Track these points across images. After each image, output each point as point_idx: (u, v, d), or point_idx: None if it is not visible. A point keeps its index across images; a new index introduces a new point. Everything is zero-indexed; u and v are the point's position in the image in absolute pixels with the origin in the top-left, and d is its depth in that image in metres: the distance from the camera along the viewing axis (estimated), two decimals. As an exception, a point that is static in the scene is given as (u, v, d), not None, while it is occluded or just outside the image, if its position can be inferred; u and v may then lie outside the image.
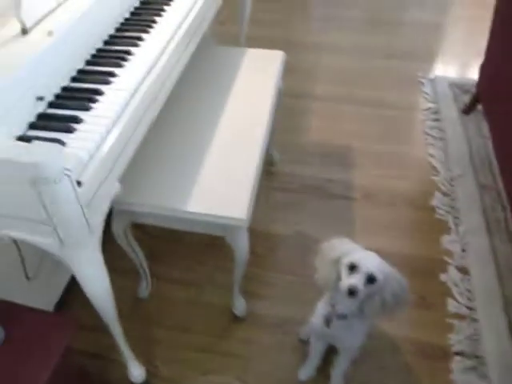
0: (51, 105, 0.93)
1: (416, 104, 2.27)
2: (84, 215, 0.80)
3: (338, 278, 0.97)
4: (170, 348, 1.37)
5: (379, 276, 0.94)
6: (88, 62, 1.05)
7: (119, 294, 1.05)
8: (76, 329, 1.00)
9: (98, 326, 1.09)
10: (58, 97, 0.95)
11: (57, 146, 0.71)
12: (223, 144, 1.27)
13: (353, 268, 0.95)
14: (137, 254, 1.34)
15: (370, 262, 0.95)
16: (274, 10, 3.03)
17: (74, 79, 1.00)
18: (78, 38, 1.01)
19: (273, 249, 1.63)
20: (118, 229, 1.19)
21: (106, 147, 0.87)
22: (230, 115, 1.37)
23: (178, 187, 1.15)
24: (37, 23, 0.96)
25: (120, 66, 1.04)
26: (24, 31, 0.94)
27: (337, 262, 0.98)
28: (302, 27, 2.90)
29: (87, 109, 0.92)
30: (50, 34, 0.93)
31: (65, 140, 0.85)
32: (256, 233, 1.60)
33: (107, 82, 0.99)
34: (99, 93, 0.96)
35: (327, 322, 1.08)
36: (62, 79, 0.98)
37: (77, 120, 0.89)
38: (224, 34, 2.31)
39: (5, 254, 1.15)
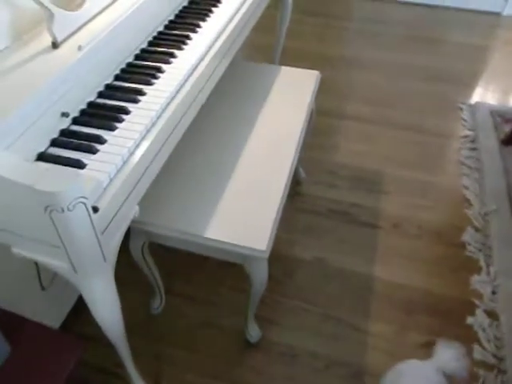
0: (75, 121, 0.91)
1: (453, 130, 2.18)
2: (99, 243, 0.77)
3: None
4: (178, 369, 1.33)
5: None
6: (117, 77, 1.02)
7: (131, 308, 1.01)
8: (83, 351, 0.97)
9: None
10: (83, 113, 0.93)
11: (73, 174, 0.68)
12: (248, 168, 1.23)
13: None
14: (152, 271, 1.31)
15: None
16: (310, 23, 2.97)
17: (101, 95, 0.98)
18: (107, 53, 0.99)
19: (291, 274, 1.57)
20: (135, 247, 1.16)
21: (127, 170, 0.84)
22: (257, 138, 1.32)
23: (198, 211, 1.11)
24: (68, 37, 0.94)
25: (149, 83, 1.01)
26: (54, 45, 0.92)
27: None
28: (339, 41, 2.84)
29: (111, 128, 0.90)
30: (79, 48, 0.91)
31: (85, 161, 0.82)
32: (274, 255, 1.55)
33: (134, 101, 0.96)
34: (125, 111, 0.94)
35: None
36: (88, 94, 0.95)
37: (100, 140, 0.87)
38: (256, 43, 2.27)
39: (20, 263, 1.14)
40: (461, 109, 2.29)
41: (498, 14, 3.01)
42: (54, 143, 0.86)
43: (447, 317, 1.46)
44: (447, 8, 3.05)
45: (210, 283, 1.54)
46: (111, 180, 0.81)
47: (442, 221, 1.76)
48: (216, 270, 1.56)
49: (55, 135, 0.87)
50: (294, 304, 1.49)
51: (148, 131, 0.91)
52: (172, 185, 1.18)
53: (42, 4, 0.88)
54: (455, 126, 2.20)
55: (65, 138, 0.87)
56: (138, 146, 0.88)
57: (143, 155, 0.87)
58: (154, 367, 1.32)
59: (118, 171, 0.83)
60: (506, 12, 2.97)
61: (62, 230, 0.72)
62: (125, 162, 0.84)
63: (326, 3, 3.12)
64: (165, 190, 1.15)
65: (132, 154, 0.87)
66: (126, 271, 0.91)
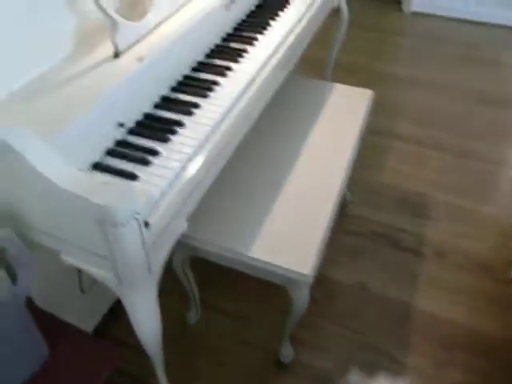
0: (131, 131, 0.91)
1: (508, 158, 2.08)
2: (147, 257, 0.77)
3: None
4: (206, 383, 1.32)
5: None
6: (173, 89, 1.02)
7: (166, 316, 0.99)
8: (118, 360, 0.97)
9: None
10: (138, 124, 0.93)
11: (130, 189, 0.68)
12: (297, 187, 1.20)
13: None
14: (190, 283, 1.30)
15: None
16: (364, 37, 2.92)
17: (157, 106, 0.98)
18: (166, 65, 0.99)
19: (330, 296, 1.53)
20: (177, 260, 1.15)
21: (179, 185, 0.83)
22: (307, 155, 1.29)
23: (244, 228, 1.09)
24: (129, 47, 0.95)
25: (205, 96, 1.01)
26: (116, 55, 0.92)
27: None
28: (393, 58, 2.77)
29: (165, 140, 0.89)
30: (139, 59, 0.91)
31: (139, 173, 0.82)
32: (316, 275, 1.52)
33: (189, 113, 0.96)
34: (180, 124, 0.93)
35: None
36: (144, 105, 0.95)
37: (154, 152, 0.86)
38: (308, 56, 2.25)
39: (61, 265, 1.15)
40: (518, 135, 2.18)
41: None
42: (109, 153, 0.86)
43: (491, 357, 1.38)
44: (507, 27, 2.92)
45: (248, 299, 1.51)
46: (163, 194, 0.80)
47: (490, 254, 1.67)
48: (255, 287, 1.54)
49: (111, 145, 0.87)
50: (331, 328, 1.44)
51: (201, 146, 0.90)
52: (220, 200, 1.16)
53: (106, 13, 0.89)
54: (510, 154, 2.10)
55: (120, 149, 0.87)
56: (190, 160, 0.87)
57: (196, 170, 0.86)
58: (184, 379, 1.31)
59: (170, 185, 0.82)
60: None
61: (113, 244, 0.71)
62: (177, 177, 0.84)
63: (381, 18, 3.06)
64: (212, 204, 1.14)
65: (184, 168, 0.86)
66: (163, 280, 0.90)
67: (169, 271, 1.23)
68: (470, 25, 3.00)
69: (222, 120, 0.96)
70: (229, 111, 0.99)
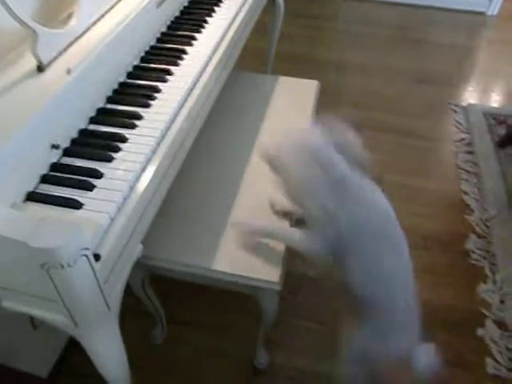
0: (67, 152, 0.82)
1: (448, 134, 2.14)
2: (102, 293, 0.69)
3: None
4: (182, 401, 1.25)
5: None
6: (109, 100, 0.94)
7: (130, 339, 0.91)
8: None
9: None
10: (74, 142, 0.84)
11: (71, 222, 0.60)
12: (253, 191, 1.15)
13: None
14: (152, 300, 1.23)
15: None
16: (297, 24, 2.90)
17: (92, 120, 0.89)
18: (99, 74, 0.90)
19: (296, 291, 1.50)
20: (135, 281, 1.07)
21: (129, 207, 0.75)
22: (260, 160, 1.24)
23: (203, 242, 1.02)
24: (54, 59, 0.85)
25: (145, 105, 0.93)
26: (40, 68, 0.82)
27: None
28: (326, 44, 2.78)
29: (108, 159, 0.81)
30: (68, 71, 0.82)
31: (81, 200, 0.73)
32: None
33: (131, 126, 0.88)
34: (122, 139, 0.85)
35: None
36: (79, 121, 0.86)
37: (96, 174, 0.78)
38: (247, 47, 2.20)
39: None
40: (454, 111, 2.26)
41: (482, 14, 3.00)
42: (45, 180, 0.77)
43: (458, 329, 1.42)
44: (432, 8, 3.02)
45: (214, 308, 1.45)
46: (112, 220, 0.72)
47: (444, 229, 1.72)
48: (222, 296, 1.48)
49: (45, 170, 0.78)
50: (300, 324, 1.42)
51: (148, 160, 0.83)
52: (172, 214, 1.09)
53: (25, 24, 0.79)
54: (450, 130, 2.17)
55: (56, 173, 0.78)
56: (138, 178, 0.80)
57: (146, 188, 0.79)
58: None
59: (119, 209, 0.74)
60: (490, 12, 2.96)
61: (61, 286, 0.63)
62: (125, 198, 0.76)
63: (313, 5, 3.05)
64: (165, 220, 1.06)
65: (132, 187, 0.78)
66: (122, 299, 0.83)
67: (126, 290, 1.15)
68: (398, 7, 3.07)
69: (168, 130, 0.89)
70: (173, 119, 0.92)
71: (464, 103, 2.30)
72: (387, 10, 3.01)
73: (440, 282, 1.54)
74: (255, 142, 1.27)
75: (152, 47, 1.09)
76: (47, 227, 0.58)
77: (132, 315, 1.34)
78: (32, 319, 1.09)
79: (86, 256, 0.62)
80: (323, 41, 2.81)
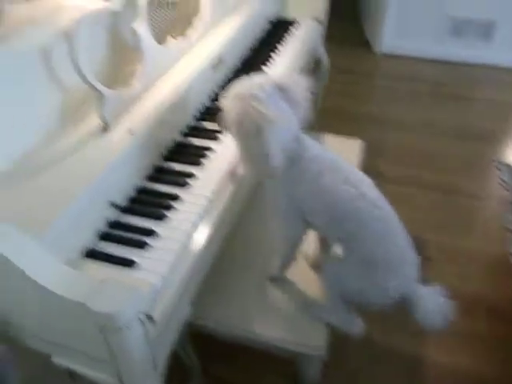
0: (124, 210, 0.84)
1: (492, 192, 2.09)
2: (151, 354, 0.68)
3: None
4: None
5: None
6: (165, 158, 0.97)
7: None
8: None
9: None
10: (131, 200, 0.86)
11: (132, 286, 0.60)
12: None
13: None
14: (190, 355, 1.20)
15: None
16: (339, 80, 2.96)
17: (149, 178, 0.92)
18: (158, 134, 0.94)
19: (337, 356, 1.44)
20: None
21: (182, 268, 0.76)
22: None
23: (247, 304, 1.01)
24: (117, 119, 0.89)
25: (198, 164, 0.95)
26: (104, 128, 0.86)
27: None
28: (367, 100, 2.81)
29: (162, 218, 0.82)
30: (131, 132, 0.86)
31: (136, 259, 0.75)
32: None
33: (184, 185, 0.90)
34: (175, 198, 0.87)
35: None
36: (137, 179, 0.89)
37: (150, 233, 0.79)
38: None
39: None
40: (498, 168, 2.21)
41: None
42: (102, 237, 0.79)
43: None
44: (473, 65, 3.03)
45: (250, 367, 1.41)
46: (165, 281, 0.73)
47: (494, 294, 1.64)
48: (258, 354, 1.44)
49: (103, 227, 0.80)
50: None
51: (201, 219, 0.84)
52: (220, 275, 1.08)
53: (93, 86, 0.84)
54: (493, 187, 2.11)
55: (113, 231, 0.80)
56: (190, 238, 0.81)
57: (198, 249, 0.80)
58: None
59: (172, 270, 0.75)
60: (533, 68, 2.94)
61: (115, 348, 0.63)
62: (178, 259, 0.77)
63: (353, 60, 3.12)
64: (213, 281, 1.05)
65: (185, 247, 0.79)
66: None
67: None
68: (439, 64, 3.10)
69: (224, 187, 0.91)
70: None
71: (508, 160, 2.25)
72: (428, 67, 3.03)
73: (491, 356, 1.45)
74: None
75: (207, 108, 1.14)
76: (108, 290, 0.59)
77: (168, 369, 1.31)
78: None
79: (142, 319, 0.62)
80: (363, 96, 2.84)
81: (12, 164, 0.77)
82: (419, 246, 1.82)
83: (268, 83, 0.82)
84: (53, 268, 0.61)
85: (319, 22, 1.67)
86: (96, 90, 0.84)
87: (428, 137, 2.44)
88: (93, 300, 0.57)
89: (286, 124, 0.81)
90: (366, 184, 0.91)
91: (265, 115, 0.77)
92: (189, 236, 0.80)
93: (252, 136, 0.79)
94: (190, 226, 0.82)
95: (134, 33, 0.95)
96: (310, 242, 1.08)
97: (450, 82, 2.92)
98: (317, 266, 1.06)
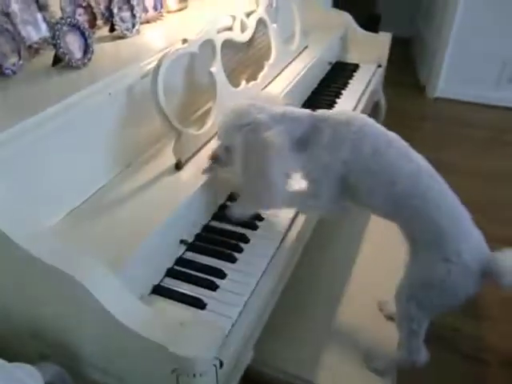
0: (191, 247, 0.84)
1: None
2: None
3: None
4: None
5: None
6: (229, 197, 0.96)
7: None
8: None
9: None
10: (198, 238, 0.86)
11: (214, 333, 0.59)
12: (356, 304, 1.11)
13: None
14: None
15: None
16: (391, 123, 2.94)
17: (215, 217, 0.92)
18: (227, 173, 0.94)
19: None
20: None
21: (250, 311, 0.74)
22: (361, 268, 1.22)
23: (306, 350, 0.98)
24: (190, 158, 0.91)
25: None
26: (178, 166, 0.88)
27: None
28: (421, 143, 2.76)
29: (232, 260, 0.82)
30: (203, 171, 0.87)
31: (205, 300, 0.74)
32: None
33: (253, 227, 0.89)
34: (245, 239, 0.86)
35: None
36: (204, 218, 0.89)
37: (220, 274, 0.78)
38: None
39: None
40: None
41: None
42: (170, 273, 0.79)
43: None
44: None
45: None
46: (233, 326, 0.71)
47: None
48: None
49: (171, 264, 0.80)
50: None
51: (268, 263, 0.82)
52: (276, 318, 1.05)
53: (171, 124, 0.86)
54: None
55: (181, 268, 0.80)
56: (259, 280, 0.79)
57: (265, 292, 0.78)
58: None
59: (240, 314, 0.73)
60: None
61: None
62: (246, 303, 0.75)
63: (405, 103, 3.10)
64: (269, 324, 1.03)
65: (253, 292, 0.77)
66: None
67: None
68: (495, 109, 3.03)
69: (289, 228, 0.89)
70: (291, 223, 0.92)
71: None
72: (483, 112, 2.97)
73: None
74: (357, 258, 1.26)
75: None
76: (189, 333, 0.58)
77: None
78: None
79: (215, 365, 0.60)
80: (416, 139, 2.80)
81: (87, 200, 0.79)
82: (476, 301, 1.71)
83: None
84: (132, 305, 0.61)
85: (380, 65, 1.68)
86: (174, 128, 0.86)
87: (490, 184, 2.35)
88: (174, 343, 0.56)
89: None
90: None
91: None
92: (257, 280, 0.79)
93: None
94: (260, 270, 0.80)
95: (210, 74, 0.98)
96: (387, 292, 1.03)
97: (504, 128, 2.84)
98: (391, 317, 1.01)
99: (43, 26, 0.86)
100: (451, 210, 0.86)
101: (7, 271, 0.67)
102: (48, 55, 0.86)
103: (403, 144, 0.88)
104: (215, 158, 0.85)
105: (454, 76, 2.91)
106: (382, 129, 0.87)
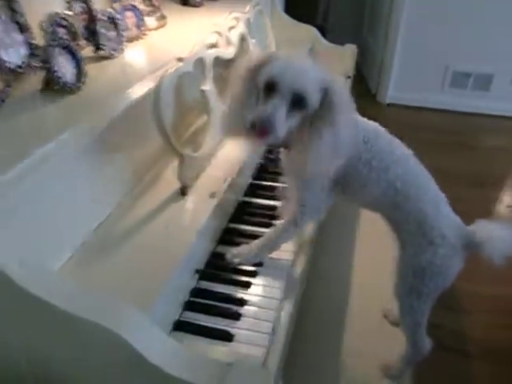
0: (203, 276, 0.80)
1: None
2: None
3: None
4: None
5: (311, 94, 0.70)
6: (232, 220, 0.94)
7: None
8: None
9: None
10: (208, 265, 0.82)
11: (264, 373, 0.56)
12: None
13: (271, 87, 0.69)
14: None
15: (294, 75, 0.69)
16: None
17: (221, 241, 0.88)
18: (231, 196, 0.92)
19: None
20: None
21: (279, 337, 0.72)
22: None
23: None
24: (194, 182, 0.87)
25: (267, 225, 0.92)
26: (183, 192, 0.84)
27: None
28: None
29: (246, 285, 0.79)
30: (212, 195, 0.83)
31: (231, 330, 0.70)
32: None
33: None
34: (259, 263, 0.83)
35: None
36: (212, 244, 0.86)
37: (239, 301, 0.75)
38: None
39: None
40: (515, 215, 2.23)
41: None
42: (188, 307, 0.74)
43: None
44: (478, 114, 3.13)
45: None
46: (267, 353, 0.68)
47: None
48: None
49: (186, 297, 0.76)
50: None
51: (286, 287, 0.80)
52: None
53: (173, 146, 0.82)
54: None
55: (198, 300, 0.76)
56: (281, 306, 0.77)
57: (288, 317, 0.76)
58: None
59: (269, 341, 0.70)
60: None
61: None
62: (273, 329, 0.72)
63: (358, 110, 3.20)
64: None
65: (278, 315, 0.75)
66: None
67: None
68: (439, 113, 3.20)
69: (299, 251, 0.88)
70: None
71: (525, 207, 2.28)
72: (432, 116, 3.13)
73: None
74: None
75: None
76: (235, 375, 0.54)
77: None
78: None
79: (263, 403, 0.57)
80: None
81: (96, 235, 0.73)
82: (455, 295, 1.77)
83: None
84: (172, 351, 0.56)
85: (349, 76, 1.71)
86: (176, 151, 0.82)
87: (441, 184, 2.47)
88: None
89: None
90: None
91: None
92: (279, 304, 0.76)
93: None
94: (279, 292, 0.78)
95: (202, 93, 0.95)
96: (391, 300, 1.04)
97: (459, 131, 3.01)
98: (397, 324, 1.03)
99: (25, 49, 0.79)
100: (434, 195, 0.91)
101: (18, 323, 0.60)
102: (34, 79, 0.79)
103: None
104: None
105: (402, 83, 3.06)
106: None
